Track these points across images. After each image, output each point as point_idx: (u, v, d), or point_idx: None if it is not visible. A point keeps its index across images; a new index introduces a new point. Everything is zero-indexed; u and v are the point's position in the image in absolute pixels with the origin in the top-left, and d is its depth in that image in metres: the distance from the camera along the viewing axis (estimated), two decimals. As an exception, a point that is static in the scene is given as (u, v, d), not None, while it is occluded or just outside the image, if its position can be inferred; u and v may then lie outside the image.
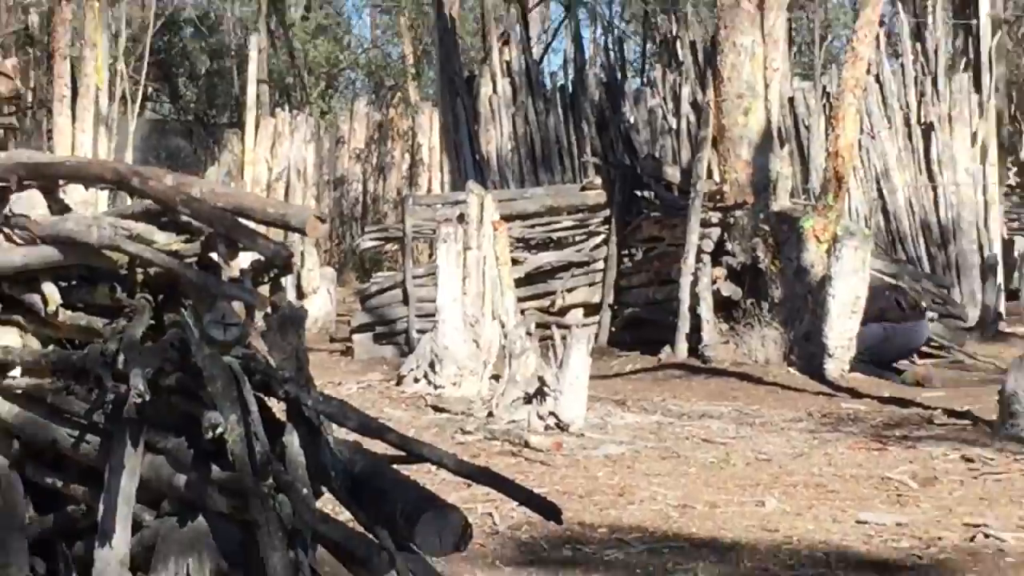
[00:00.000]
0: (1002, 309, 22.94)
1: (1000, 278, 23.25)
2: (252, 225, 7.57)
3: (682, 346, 18.77)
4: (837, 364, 17.56)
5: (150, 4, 46.54)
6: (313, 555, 6.44)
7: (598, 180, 21.04)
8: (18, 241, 8.32)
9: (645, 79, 32.20)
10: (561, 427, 13.51)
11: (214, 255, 7.71)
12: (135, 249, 7.56)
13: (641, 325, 19.98)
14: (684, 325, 18.82)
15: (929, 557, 9.50)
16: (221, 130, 43.34)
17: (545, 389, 13.93)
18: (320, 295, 23.38)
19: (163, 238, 7.85)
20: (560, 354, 14.01)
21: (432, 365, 15.89)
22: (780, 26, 19.45)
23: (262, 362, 6.85)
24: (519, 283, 20.59)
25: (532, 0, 40.35)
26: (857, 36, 18.62)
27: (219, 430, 6.47)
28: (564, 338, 14.32)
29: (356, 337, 20.09)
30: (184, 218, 7.78)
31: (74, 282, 8.34)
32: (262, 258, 7.45)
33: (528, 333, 14.87)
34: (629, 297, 20.49)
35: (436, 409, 14.82)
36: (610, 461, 12.68)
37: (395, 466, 6.91)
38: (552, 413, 13.63)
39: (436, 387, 15.61)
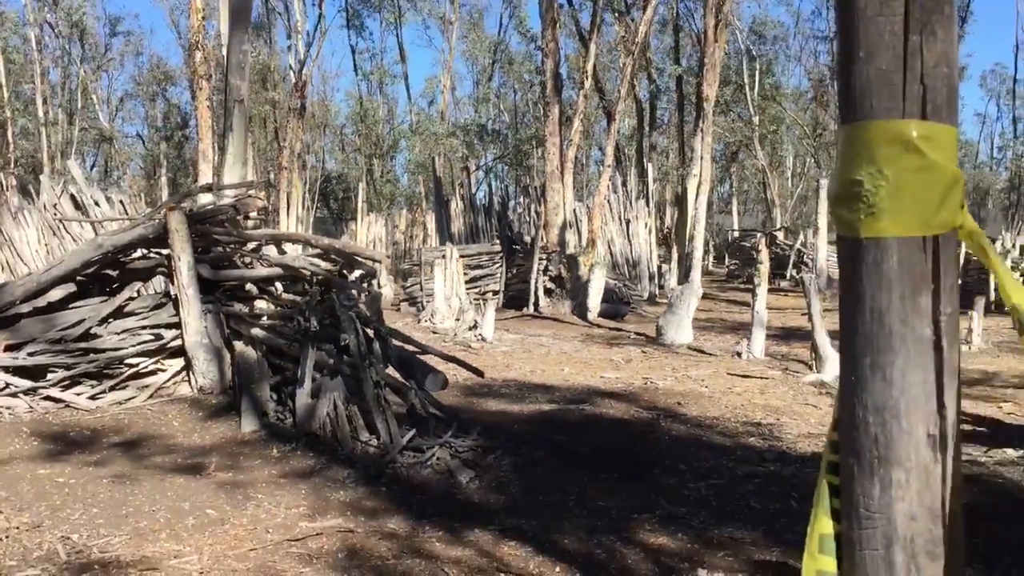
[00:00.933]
0: (656, 293, 22.90)
1: (656, 281, 23.25)
2: (360, 259, 7.57)
3: (531, 308, 18.69)
4: (592, 315, 17.74)
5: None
6: (384, 392, 6.48)
7: (498, 242, 20.89)
8: (264, 265, 8.27)
9: (516, 202, 31.95)
10: (484, 339, 13.59)
11: (345, 271, 7.70)
12: (313, 268, 7.57)
13: (515, 299, 19.89)
14: (531, 298, 18.86)
15: (629, 389, 9.88)
16: (346, 222, 42.59)
17: (477, 324, 13.99)
18: (387, 287, 23.06)
19: (325, 264, 7.83)
20: (484, 310, 14.06)
21: (432, 315, 15.92)
22: (568, 180, 19.36)
23: (364, 313, 6.89)
24: (467, 283, 20.53)
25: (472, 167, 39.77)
26: (599, 188, 18.49)
27: (345, 341, 6.52)
28: (484, 304, 14.25)
29: (402, 305, 19.95)
30: (333, 255, 7.76)
31: (288, 282, 8.28)
32: (364, 271, 7.45)
33: (470, 303, 14.85)
34: (509, 288, 20.28)
35: (433, 332, 14.93)
36: (502, 353, 12.90)
37: (416, 354, 6.95)
38: (480, 334, 13.75)
39: (433, 324, 15.58)
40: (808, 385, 10.03)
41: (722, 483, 5.97)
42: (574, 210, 23.96)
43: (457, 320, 15.31)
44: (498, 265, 20.90)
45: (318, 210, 54.04)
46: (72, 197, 19.58)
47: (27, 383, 8.08)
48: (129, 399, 8.32)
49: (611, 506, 5.45)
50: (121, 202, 20.41)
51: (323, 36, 45.06)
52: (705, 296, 26.05)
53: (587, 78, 18.38)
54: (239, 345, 8.09)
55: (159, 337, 8.48)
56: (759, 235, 35.61)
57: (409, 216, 39.10)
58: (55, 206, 19.55)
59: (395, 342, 6.92)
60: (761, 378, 10.69)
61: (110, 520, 5.08)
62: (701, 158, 15.38)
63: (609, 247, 24.04)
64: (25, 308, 8.35)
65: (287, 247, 8.82)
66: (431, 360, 7.31)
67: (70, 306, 8.50)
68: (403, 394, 6.55)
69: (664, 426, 7.91)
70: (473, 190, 38.90)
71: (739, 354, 12.40)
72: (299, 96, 44.35)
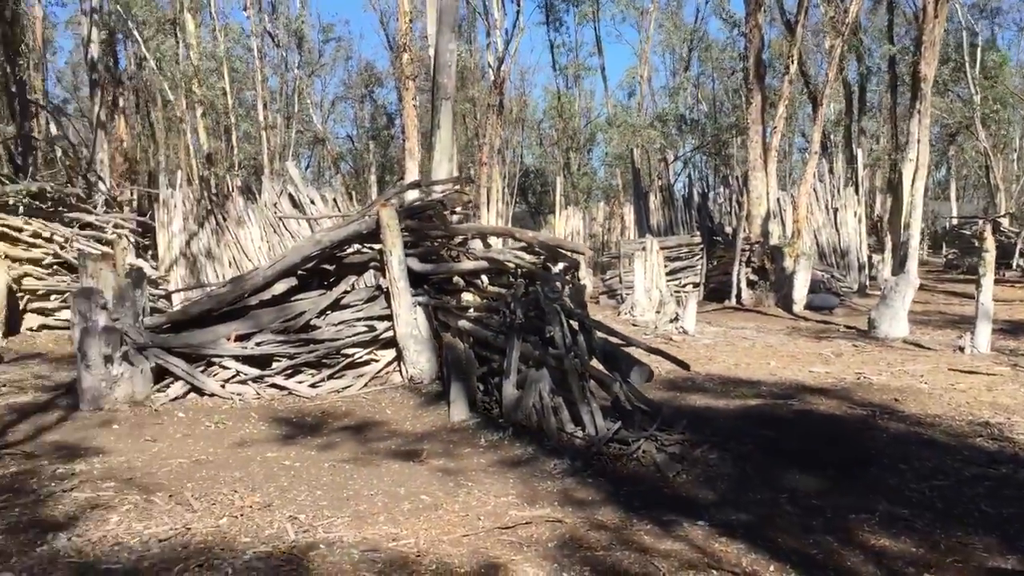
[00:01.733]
0: (867, 285, 21.81)
1: (866, 271, 22.15)
2: (564, 251, 7.59)
3: (733, 300, 18.29)
4: (798, 307, 17.13)
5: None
6: (588, 383, 6.45)
7: (698, 234, 20.57)
8: (470, 259, 8.42)
9: (716, 192, 31.17)
10: (685, 332, 13.38)
11: (549, 264, 7.72)
12: (517, 261, 7.66)
13: (715, 291, 19.48)
14: (734, 290, 18.43)
15: (840, 385, 9.49)
16: (544, 215, 42.72)
17: (678, 316, 13.80)
18: (586, 280, 23.02)
19: (529, 257, 7.89)
20: (685, 302, 13.84)
21: (632, 307, 15.84)
22: (772, 169, 18.71)
23: (568, 305, 6.90)
24: (666, 275, 20.31)
25: (670, 158, 39.14)
26: (805, 176, 17.79)
27: (550, 333, 6.55)
28: (684, 296, 14.01)
29: (601, 297, 19.93)
30: (536, 248, 7.79)
31: (492, 275, 8.39)
32: (567, 264, 7.47)
33: (670, 295, 14.65)
34: (710, 280, 19.89)
35: (633, 324, 14.83)
36: (704, 346, 12.66)
37: (620, 346, 6.90)
38: (681, 327, 13.55)
39: (633, 317, 15.50)
40: (1034, 382, 9.32)
41: (947, 484, 5.63)
42: (778, 199, 23.21)
43: (657, 312, 15.13)
44: (698, 257, 20.55)
45: (516, 205, 54.77)
46: (290, 196, 20.76)
47: (255, 371, 8.64)
48: (345, 387, 8.75)
49: (826, 504, 5.25)
50: (335, 200, 21.49)
51: (521, 33, 45.71)
52: (921, 287, 24.67)
53: (792, 62, 17.71)
54: (447, 336, 8.33)
55: (372, 328, 8.86)
56: (981, 222, 33.47)
57: (606, 209, 39.02)
58: (275, 205, 20.79)
59: (599, 334, 6.93)
60: (988, 374, 10.00)
61: (332, 502, 5.35)
62: (918, 141, 14.50)
63: (815, 237, 23.15)
64: (253, 301, 8.93)
65: (491, 240, 8.99)
66: (635, 353, 7.27)
67: (292, 299, 9.01)
68: (607, 386, 6.54)
69: (881, 423, 7.53)
70: (671, 181, 38.46)
71: (961, 349, 11.65)
72: (498, 93, 45.23)
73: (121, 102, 41.06)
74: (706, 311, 17.95)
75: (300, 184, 21.22)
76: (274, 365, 8.69)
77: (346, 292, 9.02)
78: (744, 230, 18.48)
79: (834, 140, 35.24)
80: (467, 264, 8.36)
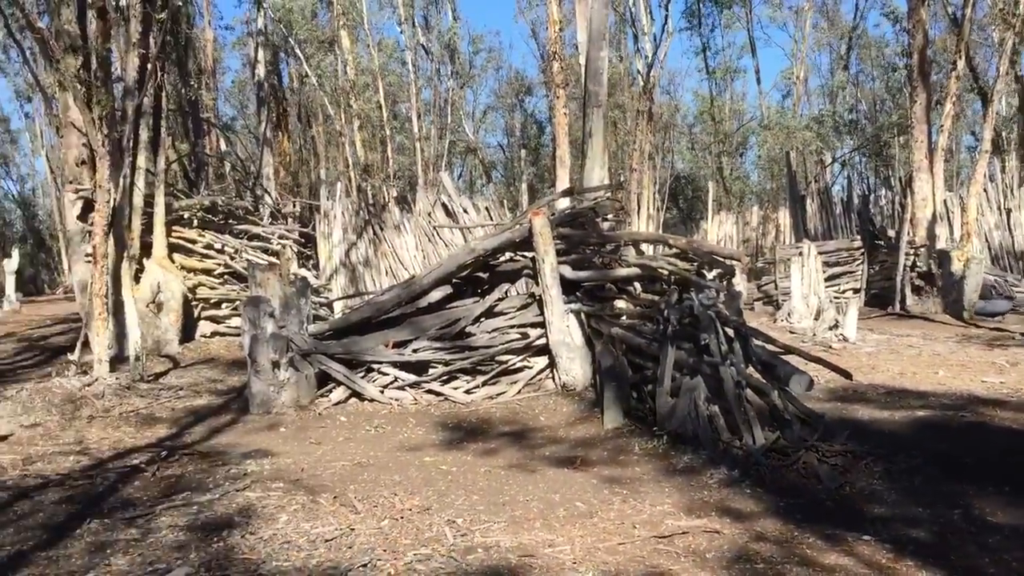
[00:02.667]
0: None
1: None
2: (718, 257, 7.47)
3: (897, 306, 17.43)
4: (968, 313, 16.17)
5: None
6: (745, 392, 6.29)
7: (858, 238, 19.82)
8: (622, 266, 8.39)
9: (876, 195, 29.87)
10: (846, 339, 12.91)
11: (703, 270, 7.61)
12: (671, 267, 7.57)
13: (878, 297, 18.66)
14: (898, 296, 17.56)
15: (1016, 396, 8.92)
16: (696, 221, 42.21)
17: (838, 323, 13.34)
18: (740, 285, 22.51)
19: (683, 264, 7.79)
20: (846, 308, 13.35)
21: (789, 314, 15.40)
22: (938, 170, 17.78)
23: (724, 312, 6.77)
24: (825, 280, 19.65)
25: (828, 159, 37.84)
26: (975, 176, 16.86)
27: (705, 341, 6.47)
28: (845, 303, 13.51)
29: (756, 304, 19.49)
30: (690, 255, 7.69)
31: (645, 282, 8.34)
32: (722, 270, 7.35)
33: (829, 301, 14.14)
34: (871, 286, 19.07)
35: (790, 332, 14.42)
36: (866, 354, 12.12)
37: (778, 354, 6.72)
38: (841, 334, 13.08)
39: (790, 324, 15.06)
40: None
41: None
42: (944, 201, 22.15)
43: (816, 319, 14.64)
44: (858, 262, 19.78)
45: (668, 210, 54.15)
46: (443, 206, 21.22)
47: (412, 377, 8.86)
48: (499, 394, 8.86)
49: (1004, 523, 4.97)
50: (487, 209, 21.83)
51: (669, 37, 45.23)
52: None
53: (960, 58, 16.82)
54: (600, 344, 8.32)
55: (525, 336, 8.94)
56: None
57: (760, 213, 38.11)
58: (429, 215, 21.29)
59: (756, 342, 6.77)
60: None
61: (489, 507, 5.43)
62: None
63: (987, 239, 21.96)
64: (410, 309, 9.16)
65: (644, 247, 8.93)
66: (794, 361, 7.07)
67: (447, 306, 9.20)
68: (765, 395, 6.38)
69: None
70: (829, 184, 37.21)
71: None
72: (647, 99, 44.89)
73: (285, 118, 42.94)
74: (868, 318, 17.26)
75: (453, 194, 21.67)
76: (430, 371, 8.89)
77: (500, 300, 9.14)
78: (909, 233, 17.67)
79: (1007, 138, 33.27)
80: (620, 271, 8.33)
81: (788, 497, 5.45)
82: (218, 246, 14.99)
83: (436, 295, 9.12)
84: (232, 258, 14.91)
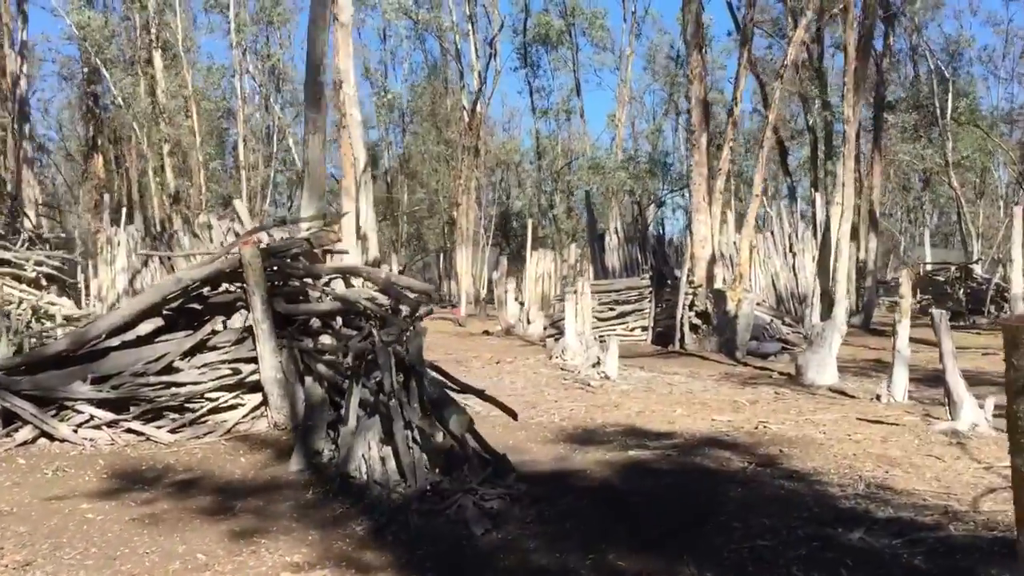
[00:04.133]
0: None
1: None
2: (412, 292, 7.22)
3: (677, 344, 17.84)
4: (741, 352, 16.68)
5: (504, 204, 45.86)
6: (415, 433, 6.05)
7: (647, 276, 20.21)
8: (324, 300, 8.07)
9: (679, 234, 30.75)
10: (607, 377, 12.98)
11: (400, 306, 7.34)
12: (366, 303, 7.27)
13: (663, 335, 19.06)
14: (677, 335, 17.91)
15: (735, 435, 9.19)
16: (523, 259, 42.32)
17: (600, 361, 13.35)
18: (537, 322, 22.62)
19: (383, 299, 7.52)
20: (606, 347, 13.44)
21: (563, 351, 15.41)
22: (717, 211, 18.38)
23: (401, 351, 6.52)
24: (614, 318, 19.96)
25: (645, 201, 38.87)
26: (747, 220, 17.46)
27: (376, 379, 6.21)
28: (606, 341, 13.62)
29: (548, 340, 19.50)
30: (388, 291, 7.39)
31: (352, 316, 8.02)
32: (410, 306, 7.12)
33: (595, 339, 14.17)
34: (658, 324, 19.51)
35: (562, 368, 14.59)
36: (620, 392, 12.24)
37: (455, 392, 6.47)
38: (603, 372, 13.11)
39: (564, 361, 15.10)
40: (939, 434, 8.90)
41: (769, 545, 5.22)
42: (735, 243, 22.99)
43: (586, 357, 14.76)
44: (647, 300, 20.21)
45: (499, 246, 54.45)
46: (236, 234, 20.47)
47: (110, 415, 8.24)
48: (207, 433, 8.35)
49: (630, 569, 4.86)
50: (283, 238, 21.14)
51: (497, 75, 45.79)
52: (884, 333, 24.32)
53: (736, 104, 17.51)
54: (309, 381, 7.97)
55: (237, 371, 8.48)
56: (953, 267, 33.17)
57: (579, 251, 38.72)
58: (222, 243, 20.51)
59: (435, 378, 6.56)
60: (892, 424, 9.60)
61: (99, 562, 4.97)
62: (843, 184, 14.17)
63: (773, 281, 22.87)
64: (114, 342, 8.55)
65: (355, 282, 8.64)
66: (470, 400, 6.90)
67: (156, 340, 8.64)
68: (428, 435, 6.16)
69: (748, 476, 7.16)
70: (647, 224, 38.18)
71: (878, 397, 11.28)
72: (472, 135, 45.21)
73: (96, 140, 40.91)
74: (648, 355, 17.59)
75: (246, 220, 20.96)
76: (131, 409, 8.32)
77: (214, 333, 8.66)
78: (689, 273, 18.15)
79: (805, 184, 35.09)
80: (323, 305, 8.03)
81: (428, 545, 5.20)
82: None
83: (146, 327, 8.56)
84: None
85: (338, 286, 8.37)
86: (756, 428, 9.45)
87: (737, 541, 5.31)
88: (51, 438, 8.10)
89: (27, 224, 18.05)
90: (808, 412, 10.61)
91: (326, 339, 8.06)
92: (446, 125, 51.53)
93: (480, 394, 6.37)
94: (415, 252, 63.47)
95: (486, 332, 24.33)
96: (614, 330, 20.14)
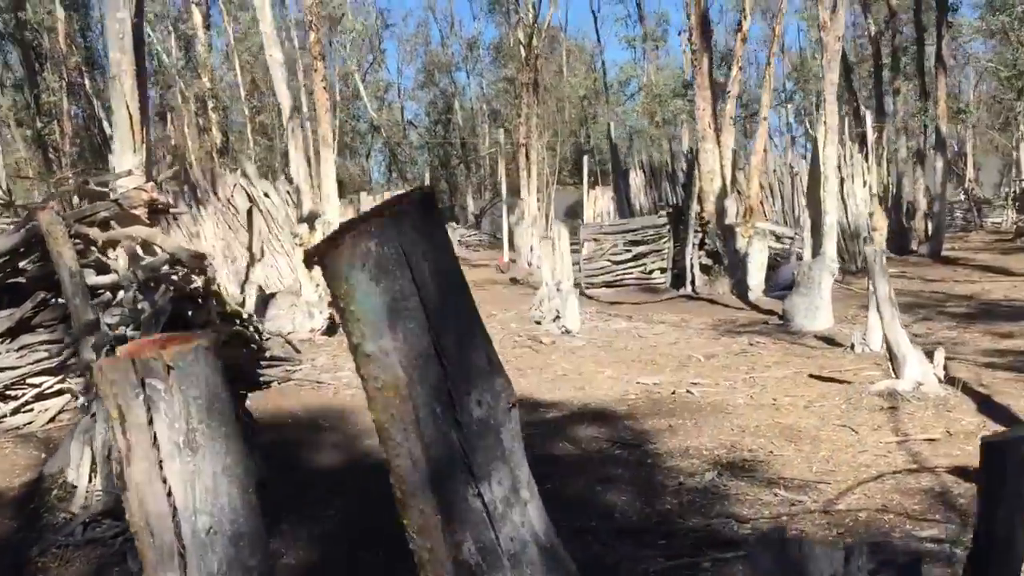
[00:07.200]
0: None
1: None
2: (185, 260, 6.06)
3: (688, 287, 16.41)
4: (754, 294, 15.24)
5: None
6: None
7: (664, 214, 18.77)
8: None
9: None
10: (568, 331, 11.83)
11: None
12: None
13: (680, 277, 17.46)
14: (688, 277, 16.45)
15: (641, 403, 8.01)
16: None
17: (559, 315, 12.16)
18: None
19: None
20: (564, 298, 12.21)
21: (540, 302, 13.95)
22: (727, 140, 16.76)
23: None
24: (630, 260, 18.69)
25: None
26: (755, 147, 15.86)
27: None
28: (564, 292, 12.38)
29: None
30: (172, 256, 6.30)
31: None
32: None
33: (556, 289, 12.79)
34: (676, 265, 17.90)
35: (536, 323, 13.02)
36: (565, 350, 11.03)
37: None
38: (563, 325, 11.95)
39: (541, 314, 13.68)
40: (874, 396, 7.49)
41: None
42: (775, 170, 21.28)
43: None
44: (666, 240, 18.74)
45: (575, 185, 52.74)
46: (244, 189, 19.85)
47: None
48: (27, 424, 7.60)
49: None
50: (288, 192, 20.53)
51: (553, 5, 43.95)
52: (956, 261, 22.24)
53: (745, 17, 15.73)
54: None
55: (59, 353, 7.67)
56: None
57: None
58: (228, 200, 19.93)
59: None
60: (841, 382, 8.22)
61: None
62: (824, 100, 12.37)
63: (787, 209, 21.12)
64: (-67, 324, 7.84)
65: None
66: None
67: (-25, 320, 7.89)
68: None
69: (579, 462, 6.02)
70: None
71: (853, 347, 9.82)
72: (530, 70, 43.63)
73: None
74: (653, 302, 16.26)
75: (253, 177, 20.33)
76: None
77: (37, 311, 7.85)
78: (697, 208, 16.62)
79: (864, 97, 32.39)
80: (106, 278, 7.11)
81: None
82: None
83: (-33, 307, 7.80)
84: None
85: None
86: (673, 393, 8.22)
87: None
88: None
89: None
90: (761, 368, 9.29)
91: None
92: (510, 61, 50.09)
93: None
94: (495, 196, 62.27)
95: (513, 280, 23.26)
96: (630, 273, 18.85)
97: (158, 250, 6.94)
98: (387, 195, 35.35)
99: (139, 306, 5.79)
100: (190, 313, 6.31)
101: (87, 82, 37.97)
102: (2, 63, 38.84)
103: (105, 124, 40.60)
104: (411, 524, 1.67)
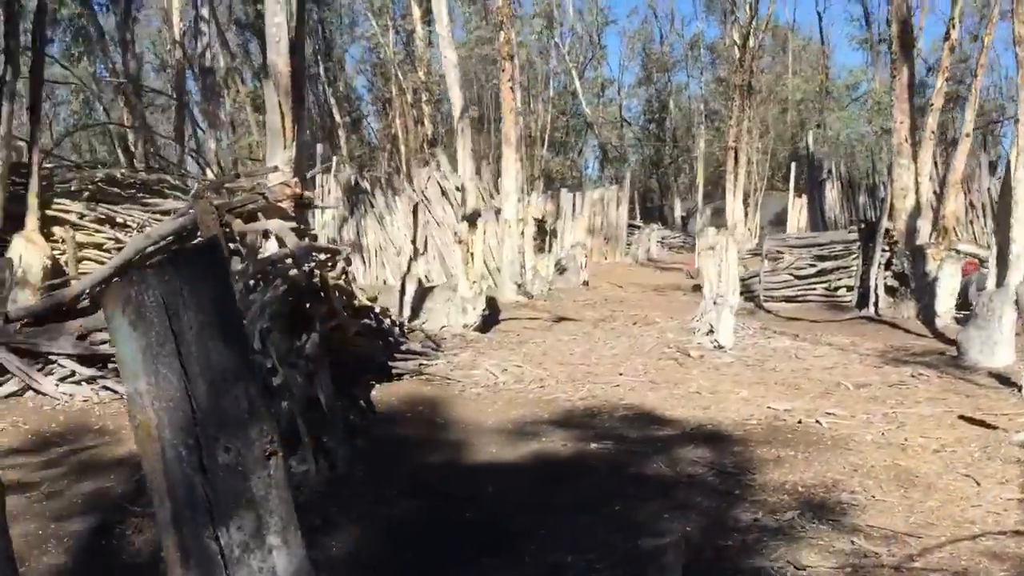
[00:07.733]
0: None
1: None
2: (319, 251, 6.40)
3: (871, 309, 15.58)
4: (942, 320, 14.24)
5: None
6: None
7: (855, 230, 17.92)
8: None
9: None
10: (720, 347, 11.60)
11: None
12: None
13: (865, 297, 16.60)
14: (871, 298, 15.64)
15: (754, 429, 7.66)
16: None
17: (712, 328, 11.91)
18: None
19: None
20: (720, 313, 11.93)
21: (701, 315, 13.71)
22: (925, 156, 15.78)
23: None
24: (814, 276, 18.02)
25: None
26: (953, 165, 14.89)
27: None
28: (719, 306, 12.10)
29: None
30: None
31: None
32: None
33: (714, 303, 12.46)
34: (864, 284, 17.00)
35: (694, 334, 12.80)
36: (709, 367, 10.73)
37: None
38: (715, 340, 11.70)
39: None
40: (1015, 447, 6.88)
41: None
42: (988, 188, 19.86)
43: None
44: (855, 256, 17.87)
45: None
46: (438, 183, 20.65)
47: (90, 371, 8.35)
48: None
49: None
50: (480, 188, 21.13)
51: (772, 4, 42.67)
52: None
53: (953, 26, 14.72)
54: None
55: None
56: None
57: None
58: (423, 192, 20.77)
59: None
60: (989, 427, 7.61)
61: None
62: (1017, 120, 11.25)
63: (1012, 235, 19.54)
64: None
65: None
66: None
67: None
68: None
69: (676, 490, 5.90)
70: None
71: (1021, 388, 9.06)
72: (744, 72, 42.62)
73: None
74: (829, 320, 15.56)
75: (447, 171, 21.03)
76: (109, 366, 8.36)
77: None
78: (888, 226, 15.76)
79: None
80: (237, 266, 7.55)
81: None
82: (120, 220, 14.81)
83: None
84: (129, 232, 14.71)
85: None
86: (799, 422, 7.85)
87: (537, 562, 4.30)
88: (37, 391, 8.34)
89: (208, 173, 19.12)
90: (910, 404, 8.71)
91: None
92: (725, 62, 49.20)
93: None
94: (705, 197, 61.02)
95: (697, 287, 22.85)
96: (814, 289, 18.14)
97: (289, 242, 7.35)
98: (597, 191, 35.53)
99: (250, 297, 6.16)
100: (308, 305, 6.65)
101: (321, 71, 40.37)
102: (244, 51, 41.82)
103: (335, 111, 43.20)
104: (166, 557, 1.76)
